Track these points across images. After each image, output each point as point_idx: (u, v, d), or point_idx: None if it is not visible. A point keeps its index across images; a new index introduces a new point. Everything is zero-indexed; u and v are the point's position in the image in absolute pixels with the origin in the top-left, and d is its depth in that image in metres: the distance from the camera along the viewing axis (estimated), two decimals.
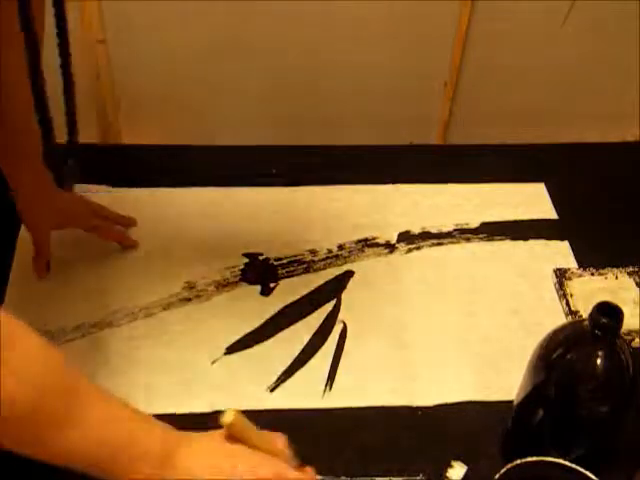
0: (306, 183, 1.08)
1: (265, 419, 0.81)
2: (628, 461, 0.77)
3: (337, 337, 0.89)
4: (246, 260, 0.97)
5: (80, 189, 1.02)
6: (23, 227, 0.97)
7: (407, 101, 1.15)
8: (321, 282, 0.95)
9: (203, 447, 0.61)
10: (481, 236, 1.03)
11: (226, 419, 0.61)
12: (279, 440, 0.66)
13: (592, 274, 0.96)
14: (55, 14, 0.70)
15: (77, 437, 0.53)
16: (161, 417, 0.80)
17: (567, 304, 0.92)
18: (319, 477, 0.75)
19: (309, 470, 0.66)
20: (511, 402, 0.78)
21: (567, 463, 0.69)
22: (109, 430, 0.56)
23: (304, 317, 0.91)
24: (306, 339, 0.89)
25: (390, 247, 1.00)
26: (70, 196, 0.94)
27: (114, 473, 0.56)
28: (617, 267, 0.97)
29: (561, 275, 0.96)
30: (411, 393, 0.84)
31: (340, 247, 0.99)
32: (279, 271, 0.96)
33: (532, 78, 1.15)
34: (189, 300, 0.92)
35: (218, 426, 0.80)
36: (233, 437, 0.62)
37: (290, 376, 0.85)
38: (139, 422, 0.59)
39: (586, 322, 0.68)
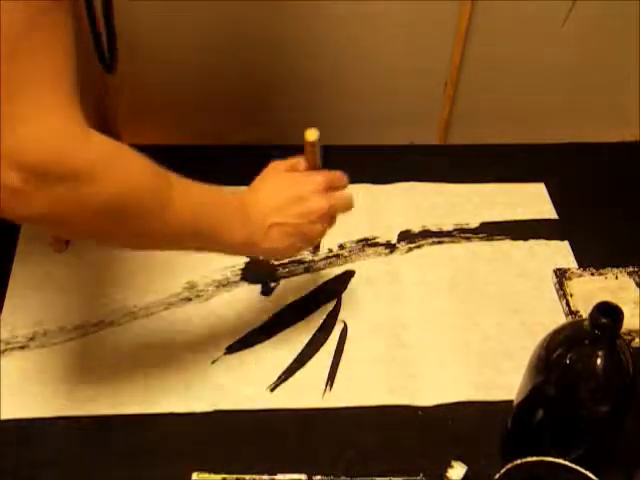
0: None
1: (265, 419, 0.82)
2: (628, 461, 0.77)
3: (337, 337, 0.89)
4: (246, 259, 0.97)
5: None
6: (23, 227, 0.97)
7: (407, 101, 1.15)
8: (321, 282, 0.95)
9: (265, 189, 0.77)
10: (481, 236, 1.03)
11: (311, 137, 0.78)
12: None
13: (592, 274, 0.96)
14: None
15: (183, 207, 0.66)
16: (161, 417, 0.81)
17: (567, 304, 0.92)
18: (319, 477, 0.76)
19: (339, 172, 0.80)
20: (511, 402, 0.78)
21: (567, 463, 0.69)
22: (201, 199, 0.70)
23: (304, 317, 0.91)
24: (306, 339, 0.89)
25: (390, 247, 1.00)
26: None
27: (212, 232, 0.70)
28: (617, 267, 0.97)
29: (561, 275, 0.96)
30: (411, 393, 0.84)
31: (340, 247, 0.99)
32: (279, 271, 0.96)
33: (532, 78, 1.14)
34: (189, 300, 0.92)
35: (219, 425, 0.81)
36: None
37: (290, 376, 0.85)
38: (219, 191, 0.74)
39: (586, 322, 0.68)
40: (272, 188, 0.77)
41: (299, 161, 0.80)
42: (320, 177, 0.78)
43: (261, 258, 0.91)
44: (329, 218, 0.79)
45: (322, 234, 0.79)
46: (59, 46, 0.54)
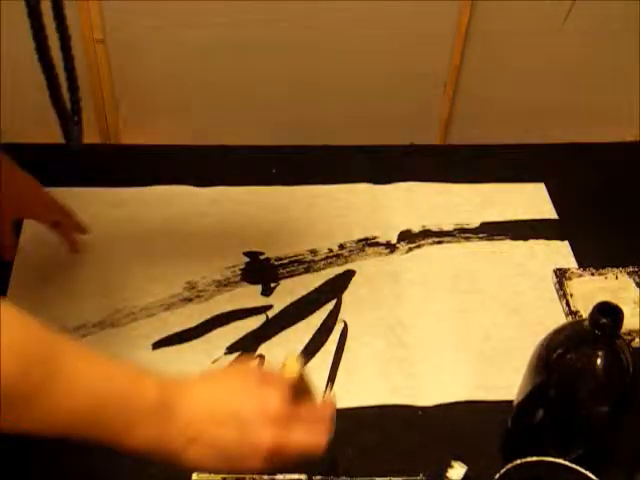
0: (306, 183, 1.08)
1: None
2: (628, 461, 0.77)
3: (338, 337, 0.89)
4: (247, 259, 0.97)
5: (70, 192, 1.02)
6: (23, 227, 0.97)
7: (407, 101, 1.15)
8: (322, 282, 0.95)
9: (204, 391, 0.59)
10: (481, 236, 1.03)
11: (288, 373, 0.59)
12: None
13: (592, 274, 0.96)
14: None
15: (67, 401, 0.51)
16: None
17: (567, 304, 0.92)
18: (319, 477, 0.76)
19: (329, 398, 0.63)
20: (511, 402, 0.78)
21: (567, 463, 0.69)
22: (100, 388, 0.53)
23: (305, 317, 0.91)
24: (307, 339, 0.89)
25: (391, 247, 1.00)
26: (31, 182, 0.88)
27: (113, 439, 0.54)
28: (617, 267, 0.97)
29: (561, 275, 0.96)
30: (411, 393, 0.84)
31: (341, 247, 0.99)
32: (280, 271, 0.96)
33: (532, 78, 1.14)
34: (190, 300, 0.92)
35: None
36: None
37: None
38: (131, 376, 0.57)
39: (586, 322, 0.68)
40: (212, 394, 0.59)
41: (260, 373, 0.61)
42: (275, 405, 0.58)
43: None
44: (270, 458, 0.58)
45: (256, 471, 0.63)
46: None
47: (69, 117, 0.70)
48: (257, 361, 0.60)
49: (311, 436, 0.60)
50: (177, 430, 0.56)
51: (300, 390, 0.59)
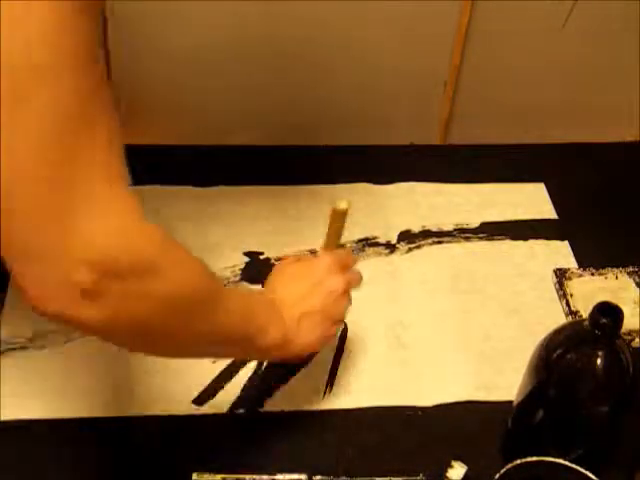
0: (306, 183, 1.08)
1: (265, 420, 0.82)
2: (628, 461, 0.77)
3: (337, 337, 0.89)
4: (247, 259, 0.97)
5: None
6: None
7: (407, 101, 1.15)
8: None
9: (285, 282, 0.77)
10: (481, 236, 1.03)
11: (342, 206, 0.75)
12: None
13: (592, 274, 0.96)
14: None
15: (227, 313, 0.65)
16: (162, 418, 0.81)
17: (567, 304, 0.92)
18: (319, 477, 0.76)
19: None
20: (511, 402, 0.78)
21: (567, 463, 0.69)
22: (244, 303, 0.69)
23: None
24: None
25: (390, 247, 1.00)
26: None
27: (255, 335, 0.68)
28: (617, 267, 0.97)
29: (561, 275, 0.96)
30: (411, 393, 0.84)
31: (341, 247, 0.99)
32: None
33: (532, 78, 1.14)
34: None
35: (219, 425, 0.81)
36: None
37: (291, 377, 0.85)
38: (256, 294, 0.77)
39: (586, 322, 0.68)
40: (288, 281, 0.77)
41: (303, 256, 0.83)
42: (329, 258, 0.78)
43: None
44: (348, 295, 0.78)
45: (345, 312, 0.78)
46: (107, 130, 0.53)
47: None
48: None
49: (356, 272, 0.80)
50: (288, 315, 0.73)
51: (339, 228, 0.77)
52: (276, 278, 0.78)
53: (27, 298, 0.52)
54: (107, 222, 0.51)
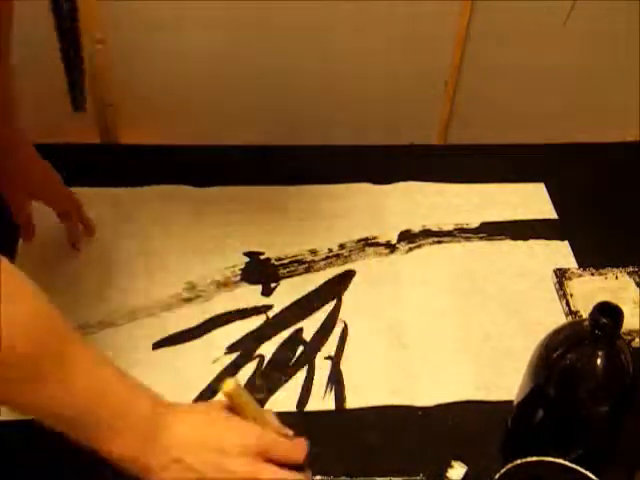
0: (306, 183, 1.08)
1: None
2: (628, 461, 0.77)
3: (338, 337, 0.89)
4: (247, 259, 0.97)
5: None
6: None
7: (407, 101, 1.15)
8: (322, 282, 0.95)
9: (193, 419, 0.62)
10: (481, 236, 1.03)
11: (225, 388, 0.61)
12: (268, 413, 0.66)
13: (592, 274, 0.96)
14: None
15: (64, 395, 0.54)
16: None
17: (567, 304, 0.92)
18: (319, 477, 0.76)
19: (301, 441, 0.65)
20: (511, 402, 0.78)
21: (567, 463, 0.69)
22: (98, 396, 0.56)
23: (305, 317, 0.91)
24: (307, 339, 0.89)
25: (391, 247, 1.00)
26: (49, 167, 0.91)
27: (95, 440, 0.57)
28: (617, 267, 0.97)
29: (561, 275, 0.96)
30: (411, 393, 0.84)
31: (341, 247, 0.99)
32: (280, 271, 0.96)
33: (532, 78, 1.14)
34: (190, 300, 0.92)
35: None
36: (231, 407, 0.63)
37: (291, 377, 0.85)
38: (130, 386, 0.60)
39: (586, 322, 0.68)
40: (197, 422, 0.62)
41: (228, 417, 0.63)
42: (254, 439, 0.61)
43: None
44: None
45: None
46: None
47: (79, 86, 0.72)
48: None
49: (283, 473, 0.62)
50: (161, 448, 0.59)
51: (240, 404, 0.63)
52: (194, 408, 0.67)
53: None
54: None
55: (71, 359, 0.54)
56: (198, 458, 0.60)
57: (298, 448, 0.64)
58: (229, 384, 0.61)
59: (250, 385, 0.84)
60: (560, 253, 1.01)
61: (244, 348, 0.87)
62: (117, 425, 0.57)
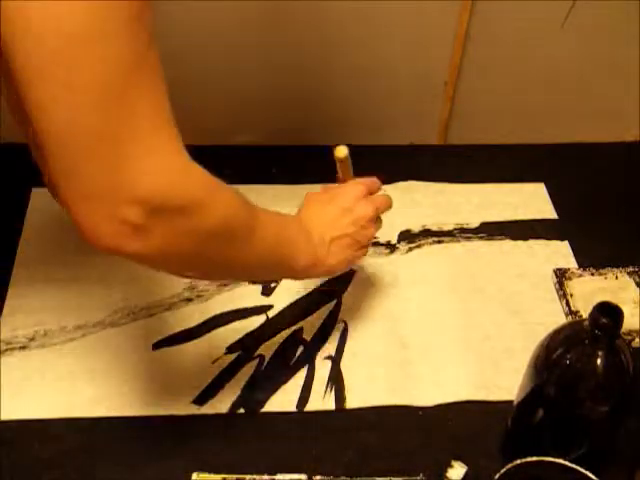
0: (306, 183, 1.08)
1: (266, 420, 0.82)
2: (628, 461, 0.77)
3: (338, 337, 0.89)
4: None
5: None
6: (24, 227, 0.97)
7: (407, 101, 1.15)
8: (321, 282, 0.95)
9: (316, 207, 0.82)
10: (481, 236, 1.03)
11: (338, 154, 0.83)
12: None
13: (592, 274, 0.96)
14: None
15: (264, 239, 0.69)
16: (162, 418, 0.81)
17: (567, 304, 0.92)
18: (319, 477, 0.76)
19: (374, 179, 0.87)
20: (511, 402, 0.78)
21: (567, 463, 0.69)
22: (279, 229, 0.73)
23: (305, 317, 0.91)
24: (307, 339, 0.89)
25: (391, 247, 1.00)
26: None
27: (288, 262, 0.74)
28: (617, 267, 0.97)
29: (561, 275, 0.96)
30: (411, 393, 0.84)
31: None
32: None
33: (532, 78, 1.14)
34: (190, 300, 0.92)
35: (219, 425, 0.81)
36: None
37: (291, 377, 0.85)
38: (288, 219, 0.78)
39: (586, 322, 0.68)
40: (319, 208, 0.82)
41: (330, 185, 0.86)
42: (358, 185, 0.83)
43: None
44: (376, 220, 0.84)
45: (373, 237, 0.84)
46: (156, 80, 0.59)
47: None
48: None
49: (385, 197, 0.86)
50: (319, 238, 0.78)
51: (347, 168, 0.85)
52: (308, 206, 0.83)
53: (81, 233, 0.55)
54: (155, 162, 0.55)
55: (261, 216, 0.70)
56: (340, 227, 0.80)
57: (377, 182, 0.86)
58: (342, 150, 0.83)
59: (250, 385, 0.84)
60: (560, 253, 1.01)
61: (244, 348, 0.88)
62: (298, 243, 0.75)
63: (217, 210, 0.62)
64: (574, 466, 0.69)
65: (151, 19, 0.57)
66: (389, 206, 0.86)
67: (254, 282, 0.94)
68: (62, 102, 0.51)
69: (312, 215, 0.81)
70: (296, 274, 0.79)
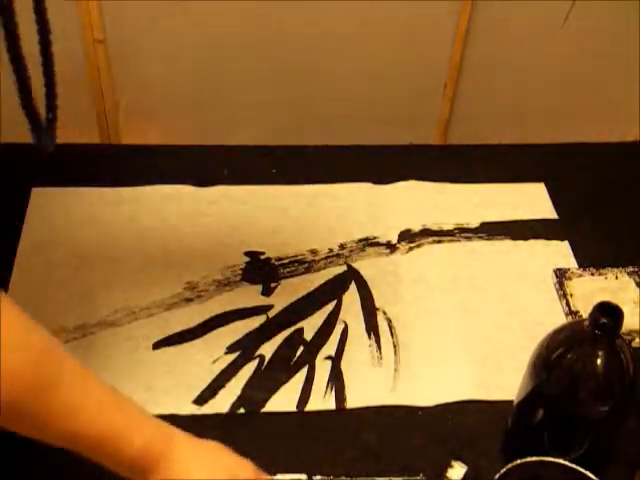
0: (306, 183, 1.08)
1: (266, 420, 0.82)
2: (628, 461, 0.77)
3: (338, 337, 0.89)
4: (247, 259, 0.97)
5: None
6: (24, 227, 0.97)
7: (407, 101, 1.15)
8: (322, 282, 0.95)
9: (196, 455, 0.61)
10: (481, 236, 1.03)
11: None
12: None
13: (592, 274, 0.96)
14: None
15: (63, 427, 0.53)
16: (162, 418, 0.80)
17: (567, 304, 0.92)
18: (319, 477, 0.76)
19: None
20: (511, 402, 0.78)
21: (567, 463, 0.69)
22: (96, 424, 0.55)
23: (305, 317, 0.91)
24: (307, 339, 0.89)
25: (391, 247, 1.00)
26: None
27: (102, 461, 0.57)
28: (617, 267, 0.97)
29: (561, 275, 0.96)
30: (411, 393, 0.84)
31: (341, 247, 0.99)
32: (280, 271, 0.96)
33: (532, 78, 1.14)
34: (190, 300, 0.92)
35: (219, 425, 0.81)
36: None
37: (291, 377, 0.85)
38: (125, 417, 0.58)
39: (586, 322, 0.68)
40: (206, 464, 0.62)
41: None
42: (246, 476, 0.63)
43: None
44: None
45: None
46: None
47: (39, 122, 0.68)
48: None
49: None
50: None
51: None
52: (204, 446, 0.64)
53: None
54: None
55: (66, 393, 0.53)
56: None
57: None
58: None
59: (250, 385, 0.84)
60: (560, 253, 1.01)
61: (244, 348, 0.87)
62: (115, 459, 0.56)
63: None
64: (574, 466, 0.69)
65: None
66: None
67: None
68: None
69: (194, 458, 0.60)
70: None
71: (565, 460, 0.69)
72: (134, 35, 1.06)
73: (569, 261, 0.99)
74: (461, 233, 1.03)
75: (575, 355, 0.70)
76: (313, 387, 0.84)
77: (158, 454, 0.57)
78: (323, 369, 0.86)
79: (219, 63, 1.10)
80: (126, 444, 0.56)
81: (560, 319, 0.91)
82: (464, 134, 1.19)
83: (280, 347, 0.88)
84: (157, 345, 0.87)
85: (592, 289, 0.93)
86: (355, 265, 0.97)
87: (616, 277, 0.96)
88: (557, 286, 0.95)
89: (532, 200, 1.08)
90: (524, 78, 1.15)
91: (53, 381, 0.52)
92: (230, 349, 0.87)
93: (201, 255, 0.97)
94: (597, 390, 0.70)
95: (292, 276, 0.96)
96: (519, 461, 0.69)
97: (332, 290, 0.94)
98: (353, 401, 0.83)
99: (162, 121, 1.16)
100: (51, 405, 0.52)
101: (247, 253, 0.98)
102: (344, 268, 0.97)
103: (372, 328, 0.90)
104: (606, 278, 0.95)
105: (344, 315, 0.92)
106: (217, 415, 0.81)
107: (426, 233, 1.02)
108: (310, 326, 0.90)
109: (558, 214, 1.06)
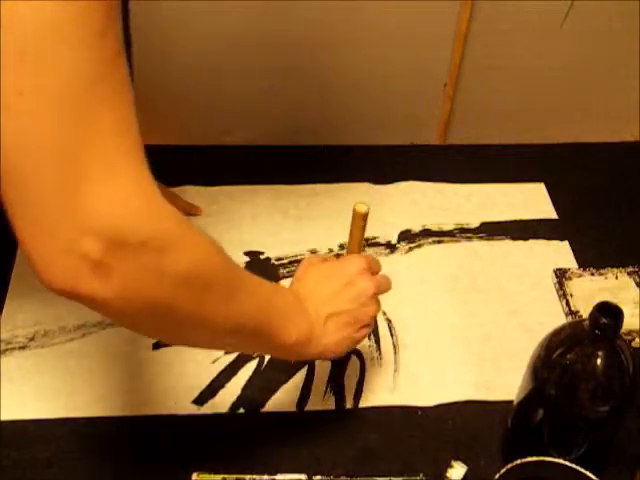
0: (306, 183, 1.08)
1: (266, 420, 0.82)
2: (628, 461, 0.77)
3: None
4: (247, 259, 0.97)
5: None
6: None
7: (407, 101, 1.15)
8: None
9: (313, 278, 0.74)
10: (481, 236, 1.03)
11: (359, 209, 0.76)
12: None
13: (592, 274, 0.96)
14: None
15: (245, 300, 0.62)
16: (162, 418, 0.81)
17: (567, 304, 0.92)
18: (319, 477, 0.76)
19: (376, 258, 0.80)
20: (511, 402, 0.78)
21: (567, 463, 0.69)
22: (268, 301, 0.66)
23: None
24: None
25: (391, 247, 1.00)
26: None
27: (274, 333, 0.65)
28: (617, 267, 0.97)
29: (561, 275, 0.96)
30: (411, 393, 0.84)
31: (341, 247, 0.99)
32: (280, 271, 0.96)
33: (532, 78, 1.14)
34: None
35: (219, 425, 0.81)
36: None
37: (291, 377, 0.85)
38: (279, 289, 0.73)
39: (586, 322, 0.68)
40: (317, 279, 0.74)
41: (331, 257, 0.80)
42: (359, 259, 0.76)
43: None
44: (377, 299, 0.75)
45: (374, 316, 0.75)
46: (123, 98, 0.49)
47: None
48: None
49: (386, 277, 0.78)
50: (315, 313, 0.70)
51: (362, 229, 0.78)
52: (305, 274, 0.75)
53: (34, 272, 0.48)
54: (117, 188, 0.48)
55: (245, 275, 0.64)
56: (338, 302, 0.72)
57: (378, 262, 0.79)
58: (363, 207, 0.76)
59: (250, 385, 0.84)
60: (560, 253, 1.01)
61: None
62: (286, 315, 0.67)
63: (188, 252, 0.54)
64: (574, 466, 0.69)
65: (119, 37, 0.49)
66: (389, 287, 0.78)
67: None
68: (12, 109, 0.44)
69: (309, 287, 0.73)
70: (286, 351, 0.69)
71: (565, 460, 0.69)
72: (135, 35, 1.06)
73: (569, 261, 0.99)
74: (461, 233, 1.03)
75: (575, 355, 0.70)
76: (313, 387, 0.84)
77: (299, 295, 0.72)
78: (323, 369, 0.86)
79: (219, 63, 1.10)
80: (286, 301, 0.69)
81: (560, 319, 0.91)
82: (464, 134, 1.19)
83: None
84: (157, 345, 0.87)
85: (592, 289, 0.93)
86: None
87: (616, 277, 0.96)
88: (557, 286, 0.95)
89: (532, 200, 1.08)
90: (524, 78, 1.15)
91: (240, 275, 0.63)
92: None
93: None
94: (597, 390, 0.70)
95: (292, 276, 0.95)
96: (519, 461, 0.69)
97: None
98: (353, 401, 0.83)
99: (162, 121, 1.16)
100: (237, 286, 0.61)
101: (247, 253, 0.98)
102: None
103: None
104: (606, 278, 0.95)
105: None
106: (217, 415, 0.81)
107: (426, 233, 1.02)
108: None
109: (558, 214, 1.06)
